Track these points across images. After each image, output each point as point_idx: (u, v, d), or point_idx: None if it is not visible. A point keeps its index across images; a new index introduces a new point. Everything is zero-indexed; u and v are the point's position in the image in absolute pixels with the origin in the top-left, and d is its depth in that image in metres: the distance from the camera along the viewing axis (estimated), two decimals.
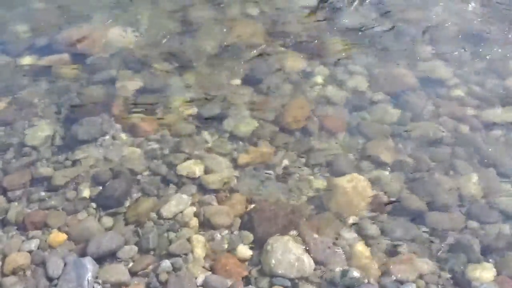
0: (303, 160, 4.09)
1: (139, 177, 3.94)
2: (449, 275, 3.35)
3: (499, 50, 5.21)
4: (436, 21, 5.58)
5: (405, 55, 5.10)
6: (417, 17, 5.62)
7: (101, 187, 3.83)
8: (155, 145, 4.20)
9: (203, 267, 3.34)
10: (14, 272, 3.27)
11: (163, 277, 3.24)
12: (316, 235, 3.51)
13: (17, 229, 3.58)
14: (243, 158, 4.07)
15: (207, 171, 3.97)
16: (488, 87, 4.77)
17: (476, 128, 4.38)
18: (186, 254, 3.38)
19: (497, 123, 4.42)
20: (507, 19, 5.56)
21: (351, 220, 3.65)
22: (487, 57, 5.10)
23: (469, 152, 4.17)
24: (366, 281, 3.26)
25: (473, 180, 3.94)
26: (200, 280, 3.24)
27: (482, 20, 5.58)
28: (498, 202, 3.78)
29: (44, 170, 3.95)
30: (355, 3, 5.82)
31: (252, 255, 3.40)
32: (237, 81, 4.80)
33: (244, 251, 3.42)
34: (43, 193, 3.81)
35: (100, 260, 3.30)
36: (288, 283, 3.23)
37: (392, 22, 5.52)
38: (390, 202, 3.77)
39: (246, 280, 3.27)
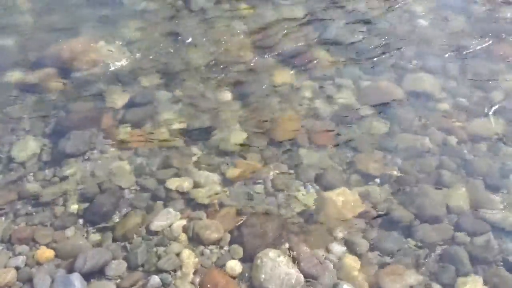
0: (293, 173, 4.10)
1: (127, 192, 3.92)
2: (438, 287, 3.35)
3: (484, 63, 5.27)
4: (422, 35, 5.64)
5: (392, 68, 5.15)
6: (404, 31, 5.68)
7: (88, 203, 3.80)
8: (144, 160, 4.19)
9: (192, 283, 3.31)
10: None
11: None
12: (306, 249, 3.51)
13: (3, 245, 3.53)
14: (232, 172, 4.07)
15: (196, 185, 3.96)
16: (474, 100, 4.81)
17: (463, 140, 4.41)
18: (175, 270, 3.36)
19: (484, 134, 4.45)
20: (492, 32, 5.63)
21: (340, 233, 3.66)
22: (473, 70, 5.16)
23: (457, 164, 4.20)
24: None
25: (461, 192, 3.96)
26: None
27: (468, 34, 5.65)
28: (486, 214, 3.80)
29: (31, 185, 3.91)
30: (342, 17, 5.87)
31: (242, 270, 3.39)
32: (226, 95, 4.81)
33: (234, 266, 3.40)
34: (30, 209, 3.78)
35: (88, 276, 3.27)
36: None
37: (379, 36, 5.57)
38: (379, 215, 3.79)
39: None
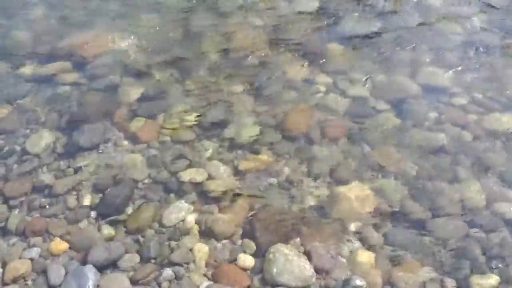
0: (305, 168, 4.08)
1: (140, 184, 3.93)
2: (452, 283, 3.32)
3: (500, 58, 5.21)
4: (437, 29, 5.58)
5: (407, 62, 5.10)
6: (419, 25, 5.62)
7: (102, 195, 3.82)
8: (157, 152, 4.20)
9: (205, 276, 3.32)
10: (15, 280, 3.26)
11: (164, 286, 3.23)
12: (318, 244, 3.49)
13: (18, 237, 3.56)
14: (244, 166, 4.06)
15: (208, 178, 3.95)
16: (490, 95, 4.76)
17: (479, 136, 4.36)
18: (187, 263, 3.36)
19: (500, 130, 4.40)
20: (507, 26, 5.56)
21: (353, 228, 3.64)
22: (489, 64, 5.10)
23: (472, 160, 4.15)
24: None
25: (475, 188, 3.92)
26: None
27: (483, 28, 5.58)
28: (500, 210, 3.76)
29: (45, 177, 3.94)
30: (356, 10, 5.83)
31: (254, 264, 3.38)
32: (239, 88, 4.79)
33: (246, 259, 3.40)
34: (44, 201, 3.80)
35: (101, 268, 3.29)
36: None
37: (393, 30, 5.52)
38: (393, 210, 3.76)
39: None
